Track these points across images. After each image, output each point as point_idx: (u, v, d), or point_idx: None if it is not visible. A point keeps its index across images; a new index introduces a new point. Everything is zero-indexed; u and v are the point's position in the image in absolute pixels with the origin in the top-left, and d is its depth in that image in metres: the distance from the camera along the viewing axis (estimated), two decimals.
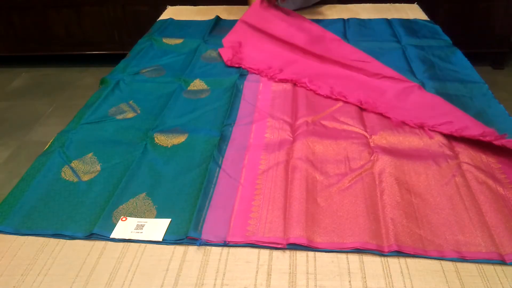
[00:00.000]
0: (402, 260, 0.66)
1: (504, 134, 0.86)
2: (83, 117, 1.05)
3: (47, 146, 0.96)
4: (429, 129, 0.94)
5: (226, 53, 1.32)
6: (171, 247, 0.70)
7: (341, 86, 1.12)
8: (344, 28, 1.53)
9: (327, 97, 1.09)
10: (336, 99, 1.08)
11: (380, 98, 1.07)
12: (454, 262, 0.66)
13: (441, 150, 0.88)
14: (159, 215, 0.75)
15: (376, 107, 1.03)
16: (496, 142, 0.85)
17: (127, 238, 0.71)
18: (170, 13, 1.76)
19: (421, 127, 0.95)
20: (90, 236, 0.72)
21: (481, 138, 0.86)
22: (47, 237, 0.72)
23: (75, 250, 0.70)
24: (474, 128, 0.90)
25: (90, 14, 2.68)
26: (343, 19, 1.61)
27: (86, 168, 0.87)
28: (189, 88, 1.17)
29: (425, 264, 0.66)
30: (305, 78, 1.16)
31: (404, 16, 1.64)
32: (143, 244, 0.71)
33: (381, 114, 1.01)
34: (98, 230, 0.72)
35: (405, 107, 1.03)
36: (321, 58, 1.27)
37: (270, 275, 0.65)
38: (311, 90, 1.13)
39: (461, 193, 0.77)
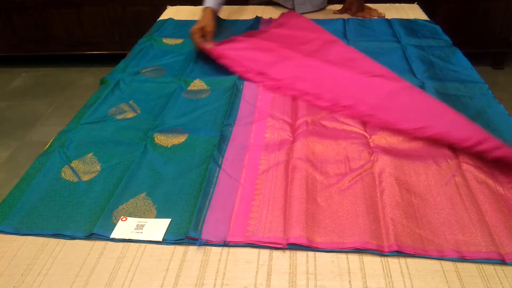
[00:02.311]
0: (402, 260, 0.66)
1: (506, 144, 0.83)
2: (83, 117, 1.05)
3: (47, 146, 0.96)
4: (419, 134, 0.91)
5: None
6: (171, 247, 0.70)
7: (333, 90, 1.08)
8: (344, 28, 1.53)
9: (326, 108, 1.04)
10: (333, 110, 1.04)
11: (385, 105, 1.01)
12: (454, 262, 0.66)
13: (441, 150, 0.88)
14: (159, 215, 0.76)
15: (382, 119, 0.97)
16: (495, 153, 0.81)
17: (127, 238, 0.71)
18: (170, 13, 1.76)
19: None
20: (90, 236, 0.72)
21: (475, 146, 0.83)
22: (47, 237, 0.72)
23: (75, 250, 0.70)
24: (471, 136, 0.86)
25: (90, 14, 2.68)
26: (343, 19, 1.61)
27: (86, 168, 0.87)
28: (189, 88, 1.17)
29: (425, 264, 0.66)
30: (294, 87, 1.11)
31: (404, 16, 1.64)
32: (143, 244, 0.71)
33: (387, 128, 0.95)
34: (98, 230, 0.72)
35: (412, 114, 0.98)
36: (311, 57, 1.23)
37: (270, 275, 0.65)
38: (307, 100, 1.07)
39: (461, 193, 0.77)
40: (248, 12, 1.73)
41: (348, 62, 1.21)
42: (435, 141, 0.89)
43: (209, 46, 1.28)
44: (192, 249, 0.69)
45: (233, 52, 1.27)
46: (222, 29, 1.54)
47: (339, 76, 1.13)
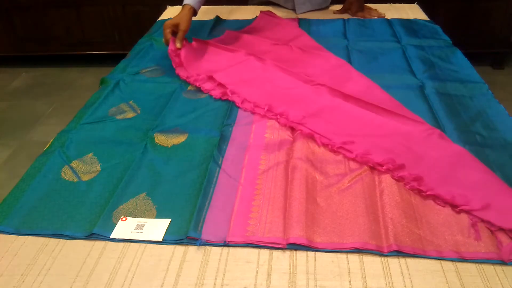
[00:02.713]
0: (402, 260, 0.66)
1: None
2: (83, 117, 1.05)
3: (47, 146, 0.96)
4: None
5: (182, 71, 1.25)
6: (171, 247, 0.70)
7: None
8: (344, 28, 1.53)
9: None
10: (267, 117, 1.01)
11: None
12: (454, 262, 0.66)
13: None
14: (159, 215, 0.76)
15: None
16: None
17: (127, 238, 0.71)
18: (170, 13, 1.75)
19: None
20: (90, 236, 0.72)
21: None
22: (47, 237, 0.72)
23: (75, 250, 0.70)
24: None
25: (90, 14, 2.68)
26: (343, 19, 1.61)
27: (86, 168, 0.87)
28: (189, 88, 1.17)
29: (425, 264, 0.66)
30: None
31: (404, 16, 1.64)
32: (143, 244, 0.71)
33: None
34: (98, 230, 0.72)
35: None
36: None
37: (270, 275, 0.65)
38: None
39: None
40: (248, 12, 1.73)
41: (309, 72, 1.17)
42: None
43: (178, 44, 1.25)
44: (192, 249, 0.69)
45: (190, 57, 1.25)
46: (222, 29, 1.54)
47: (281, 83, 1.12)
